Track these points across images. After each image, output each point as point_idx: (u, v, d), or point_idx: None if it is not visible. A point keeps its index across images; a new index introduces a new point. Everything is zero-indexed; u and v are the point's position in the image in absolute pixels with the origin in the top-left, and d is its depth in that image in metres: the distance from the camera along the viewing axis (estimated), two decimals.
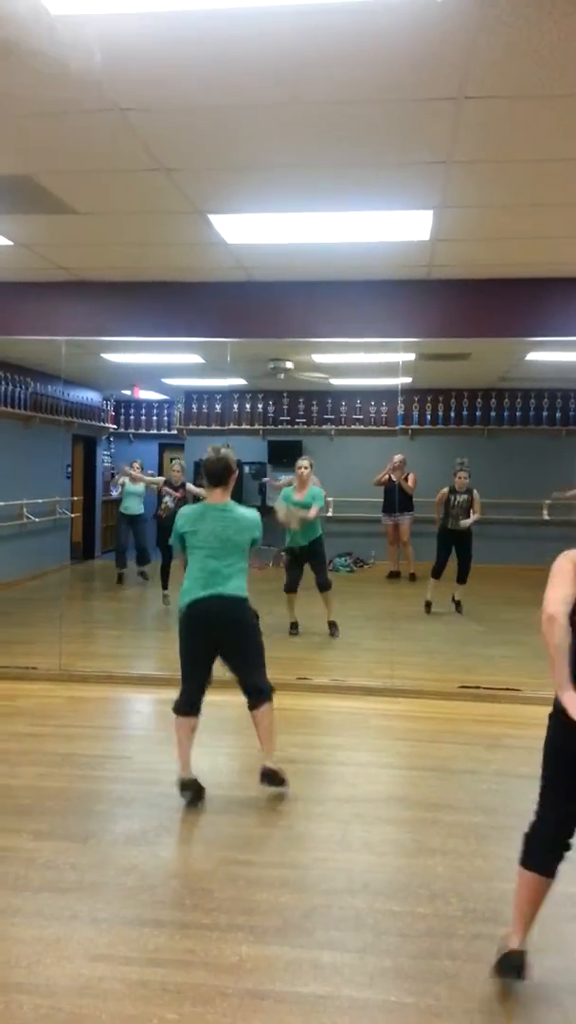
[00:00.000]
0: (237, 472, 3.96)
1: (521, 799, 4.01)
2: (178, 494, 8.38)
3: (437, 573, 8.26)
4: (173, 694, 5.63)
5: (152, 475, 10.01)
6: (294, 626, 7.30)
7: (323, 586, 7.22)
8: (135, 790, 4.01)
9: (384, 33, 2.58)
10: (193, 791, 3.83)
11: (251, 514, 3.94)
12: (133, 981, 2.56)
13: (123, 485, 9.77)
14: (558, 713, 2.48)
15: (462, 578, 8.30)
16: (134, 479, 9.48)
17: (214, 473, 3.86)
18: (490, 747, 4.69)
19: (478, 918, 2.95)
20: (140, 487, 9.63)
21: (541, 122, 3.20)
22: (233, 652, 3.90)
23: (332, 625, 7.29)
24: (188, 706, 3.93)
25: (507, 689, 5.61)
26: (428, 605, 8.23)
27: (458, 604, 8.34)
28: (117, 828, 3.61)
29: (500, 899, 3.05)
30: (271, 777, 3.89)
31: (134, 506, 9.73)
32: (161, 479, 8.94)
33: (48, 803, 3.82)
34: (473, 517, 8.14)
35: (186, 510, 4.04)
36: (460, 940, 2.82)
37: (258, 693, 3.90)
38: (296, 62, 2.77)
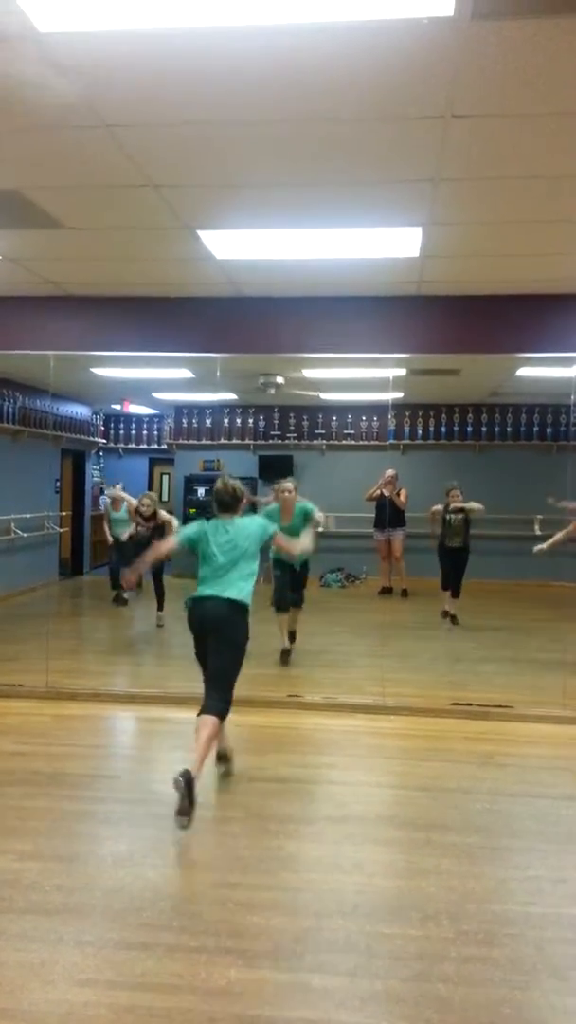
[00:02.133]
0: (245, 499, 4.34)
1: (514, 819, 4.00)
2: (149, 524, 8.32)
3: (445, 586, 8.47)
4: (162, 712, 5.59)
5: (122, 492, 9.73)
6: (286, 654, 6.77)
7: (297, 602, 6.94)
8: (122, 810, 3.95)
9: (372, 52, 2.59)
10: (189, 788, 3.64)
11: (252, 519, 4.37)
12: (120, 1006, 2.50)
13: (106, 508, 9.63)
14: None
15: (455, 593, 8.40)
16: (115, 504, 9.36)
17: (224, 503, 4.26)
18: (482, 765, 4.66)
19: (471, 940, 2.91)
20: (123, 513, 9.38)
21: (528, 140, 3.22)
22: (212, 653, 4.04)
23: (291, 635, 6.92)
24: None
25: (499, 706, 5.58)
26: (445, 613, 8.46)
27: (453, 617, 8.39)
28: (104, 849, 3.55)
29: (494, 921, 3.02)
30: (186, 782, 3.64)
31: (121, 532, 9.41)
32: (135, 502, 8.83)
33: (33, 823, 3.76)
34: (473, 507, 8.27)
35: (199, 527, 4.29)
36: (452, 963, 2.77)
37: (208, 700, 3.98)
38: (285, 80, 2.78)
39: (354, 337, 5.76)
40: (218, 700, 3.98)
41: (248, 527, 4.23)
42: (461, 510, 8.28)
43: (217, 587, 4.04)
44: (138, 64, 2.68)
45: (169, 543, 4.56)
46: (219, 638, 4.01)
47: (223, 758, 4.33)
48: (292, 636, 7.01)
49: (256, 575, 4.20)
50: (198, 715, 3.95)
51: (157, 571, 8.30)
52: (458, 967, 2.75)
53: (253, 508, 9.36)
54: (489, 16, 2.38)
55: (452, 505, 8.33)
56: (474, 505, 8.32)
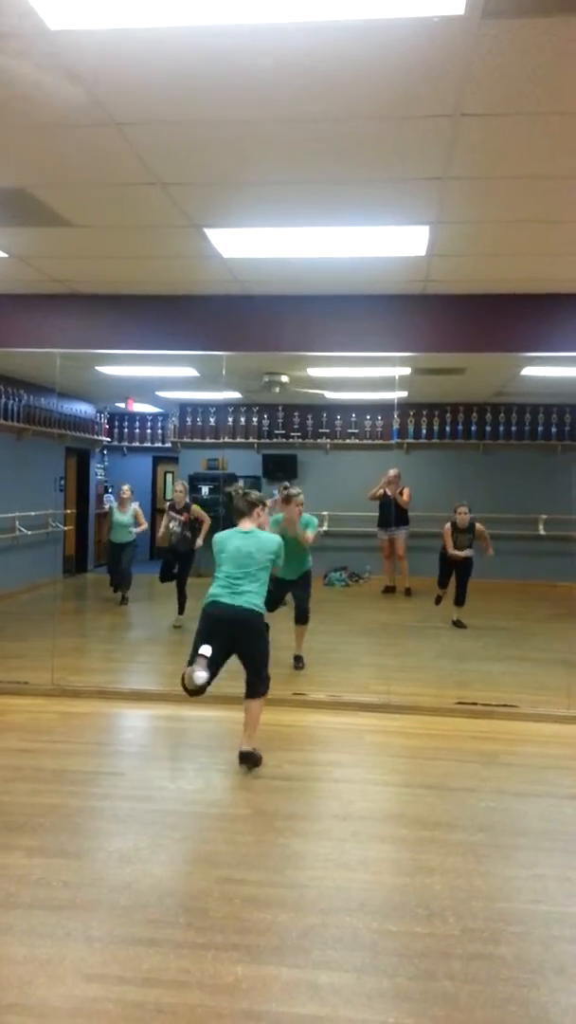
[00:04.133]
0: (262, 505, 4.66)
1: (520, 817, 4.00)
2: (183, 517, 8.09)
3: (442, 584, 8.45)
4: (167, 710, 5.60)
5: (138, 508, 9.50)
6: (298, 659, 6.68)
7: (301, 619, 6.63)
8: (128, 807, 3.96)
9: (381, 51, 2.59)
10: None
11: (272, 537, 4.62)
12: (127, 1002, 2.51)
13: (111, 508, 9.53)
14: None
15: (460, 601, 8.32)
16: (122, 506, 9.27)
17: (240, 509, 4.60)
18: (487, 764, 4.66)
19: (477, 938, 2.92)
20: (128, 516, 9.28)
21: (536, 139, 3.22)
22: (242, 654, 4.46)
23: (298, 659, 6.67)
24: (196, 661, 4.29)
25: (504, 705, 5.58)
26: (438, 599, 8.49)
27: (458, 622, 8.33)
28: (111, 845, 3.56)
29: (499, 918, 3.02)
30: (247, 758, 4.41)
31: (122, 535, 9.33)
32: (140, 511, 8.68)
33: (40, 820, 3.77)
34: (487, 547, 8.24)
35: (219, 536, 4.63)
36: (459, 960, 2.78)
37: (251, 689, 4.48)
38: (293, 79, 2.78)
39: (360, 336, 5.76)
40: (259, 683, 4.48)
41: (266, 545, 4.51)
42: (470, 530, 8.16)
43: (235, 596, 4.37)
44: (147, 62, 2.69)
45: None
46: (247, 642, 4.43)
47: (249, 758, 4.46)
48: (298, 660, 6.68)
49: (266, 586, 4.53)
50: (245, 698, 4.48)
51: (181, 576, 8.14)
52: (464, 965, 2.75)
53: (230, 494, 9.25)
54: (499, 14, 2.38)
55: (459, 522, 8.16)
56: (486, 542, 8.25)
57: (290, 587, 6.50)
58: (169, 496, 8.64)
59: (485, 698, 5.73)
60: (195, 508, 8.19)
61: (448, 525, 8.22)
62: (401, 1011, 2.51)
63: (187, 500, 8.25)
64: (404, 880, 3.32)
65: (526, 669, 6.84)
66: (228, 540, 4.53)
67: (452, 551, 8.16)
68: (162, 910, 3.04)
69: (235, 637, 4.37)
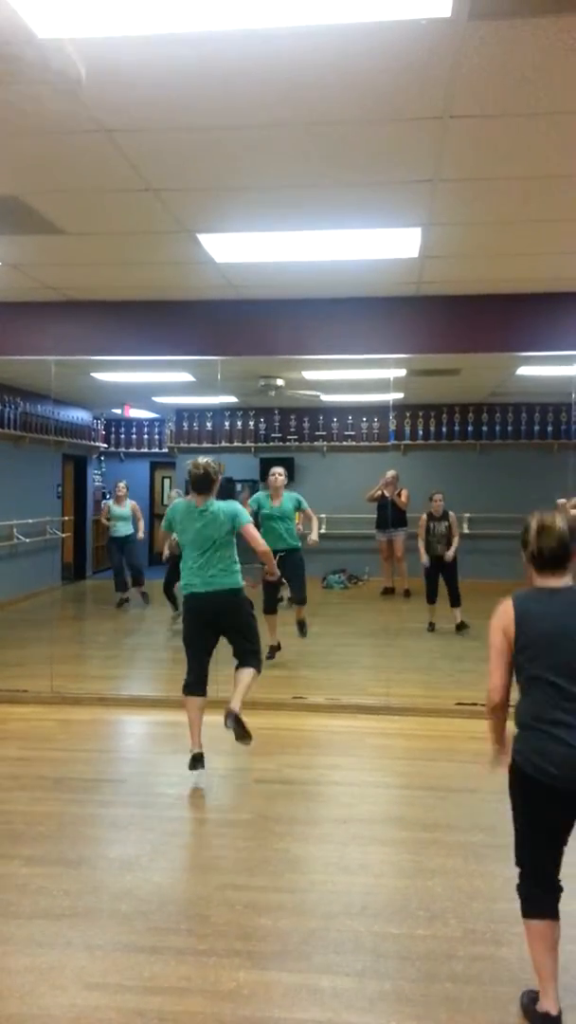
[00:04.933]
0: (219, 479, 4.46)
1: None
2: None
3: (431, 598, 8.28)
4: (166, 716, 5.58)
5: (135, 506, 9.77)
6: (273, 649, 6.75)
7: (299, 601, 6.84)
8: (129, 814, 3.96)
9: (369, 54, 2.59)
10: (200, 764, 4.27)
11: (227, 506, 4.40)
12: (129, 1010, 2.50)
13: (107, 507, 9.75)
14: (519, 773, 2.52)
15: (455, 602, 8.21)
16: (119, 500, 9.45)
17: (196, 482, 4.40)
18: (487, 764, 4.65)
19: (478, 939, 2.91)
20: (126, 510, 9.58)
21: (525, 140, 3.23)
22: (230, 632, 4.44)
23: (301, 624, 6.92)
24: (197, 685, 4.37)
25: None
26: (431, 625, 8.26)
27: (460, 625, 8.17)
28: (111, 853, 3.56)
29: (501, 919, 3.02)
30: (235, 718, 4.26)
31: (122, 528, 9.63)
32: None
33: (40, 828, 3.77)
34: (454, 545, 8.16)
35: (174, 507, 4.54)
36: (460, 962, 2.77)
37: (242, 659, 4.43)
38: (282, 83, 2.78)
39: (354, 338, 5.76)
40: (252, 654, 4.43)
41: (219, 515, 4.35)
42: (444, 517, 8.19)
43: (208, 579, 4.31)
44: (136, 69, 2.69)
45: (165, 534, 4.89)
46: (230, 619, 4.40)
47: (237, 720, 4.32)
48: (302, 625, 6.92)
49: (236, 560, 4.43)
50: (236, 668, 4.41)
51: (169, 579, 8.14)
52: (466, 966, 2.75)
53: (231, 490, 9.32)
54: (486, 16, 2.39)
55: (434, 510, 8.22)
56: (455, 531, 8.22)
57: (282, 570, 6.31)
58: (166, 503, 8.72)
59: (484, 699, 5.71)
60: None
61: (424, 516, 8.27)
62: (403, 1014, 2.50)
63: None
64: (405, 883, 3.31)
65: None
66: (186, 521, 4.38)
67: (423, 551, 8.19)
68: (163, 917, 3.03)
69: (217, 620, 4.37)
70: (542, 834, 2.48)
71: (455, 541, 8.18)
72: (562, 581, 2.51)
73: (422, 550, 8.26)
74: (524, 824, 2.52)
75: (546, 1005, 2.42)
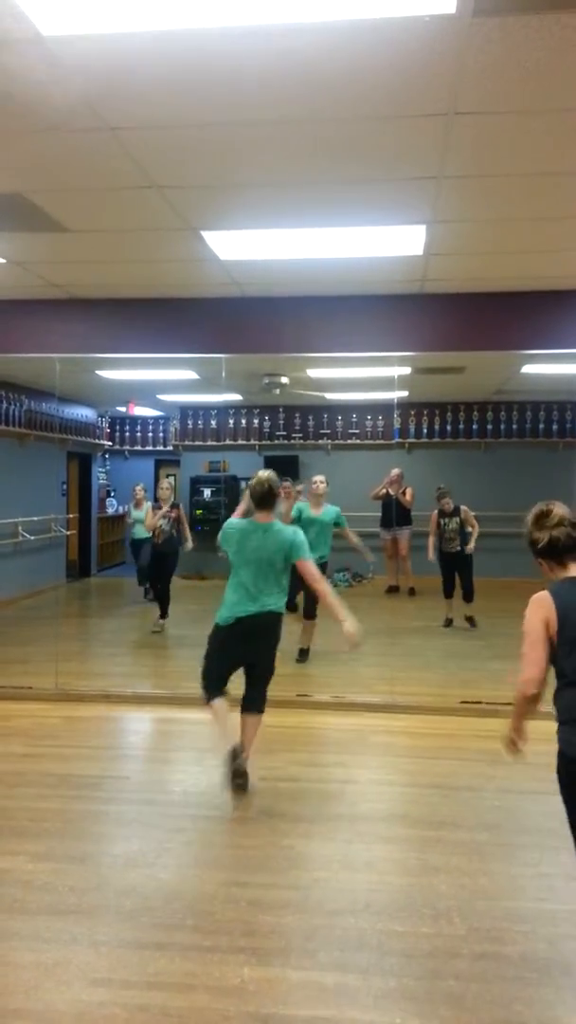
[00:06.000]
0: (279, 494, 4.20)
1: (525, 815, 3.99)
2: (172, 514, 8.15)
3: (447, 593, 8.38)
4: (171, 713, 5.59)
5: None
6: (304, 652, 6.87)
7: (309, 615, 6.76)
8: (133, 811, 3.96)
9: (374, 51, 2.59)
10: (238, 760, 3.90)
11: (289, 532, 4.05)
12: (134, 1006, 2.51)
13: (128, 510, 9.75)
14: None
15: (467, 597, 8.34)
16: (138, 504, 9.40)
17: (258, 498, 4.04)
18: (492, 763, 4.64)
19: (483, 937, 2.91)
20: (143, 513, 9.39)
21: (530, 137, 3.22)
22: (255, 662, 4.11)
23: (303, 652, 6.90)
24: (217, 688, 4.09)
25: (508, 704, 5.53)
26: (449, 621, 8.36)
27: (471, 619, 8.33)
28: (116, 849, 3.56)
29: (504, 917, 3.02)
30: (243, 775, 3.91)
31: (141, 531, 9.35)
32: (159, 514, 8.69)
33: (45, 824, 3.77)
34: (473, 537, 8.25)
35: (232, 523, 4.16)
36: (464, 960, 2.77)
37: (254, 703, 4.14)
38: (286, 80, 2.78)
39: (358, 336, 5.76)
40: (261, 699, 4.15)
41: (279, 539, 4.00)
42: (456, 513, 8.26)
43: (256, 603, 3.98)
44: (140, 66, 2.69)
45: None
46: (267, 644, 4.11)
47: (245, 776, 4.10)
48: (303, 653, 6.90)
49: (286, 588, 4.12)
50: (242, 712, 4.10)
51: (163, 573, 8.16)
52: (470, 964, 2.75)
53: (236, 488, 9.16)
54: (491, 12, 2.38)
55: (444, 507, 8.32)
56: (472, 523, 8.28)
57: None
58: (157, 494, 8.63)
59: (489, 697, 5.72)
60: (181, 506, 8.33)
61: (435, 512, 8.35)
62: (407, 1011, 2.50)
63: (173, 498, 8.34)
64: (409, 880, 3.31)
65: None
66: (245, 538, 4.01)
67: (431, 548, 8.26)
68: (168, 913, 3.04)
69: (250, 644, 4.04)
70: None
71: (475, 533, 8.26)
72: None
73: (431, 546, 8.31)
74: (572, 813, 2.59)
75: None
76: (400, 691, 5.81)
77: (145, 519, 8.50)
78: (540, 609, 2.43)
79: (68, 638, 7.51)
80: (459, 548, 8.28)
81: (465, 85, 2.80)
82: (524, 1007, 2.53)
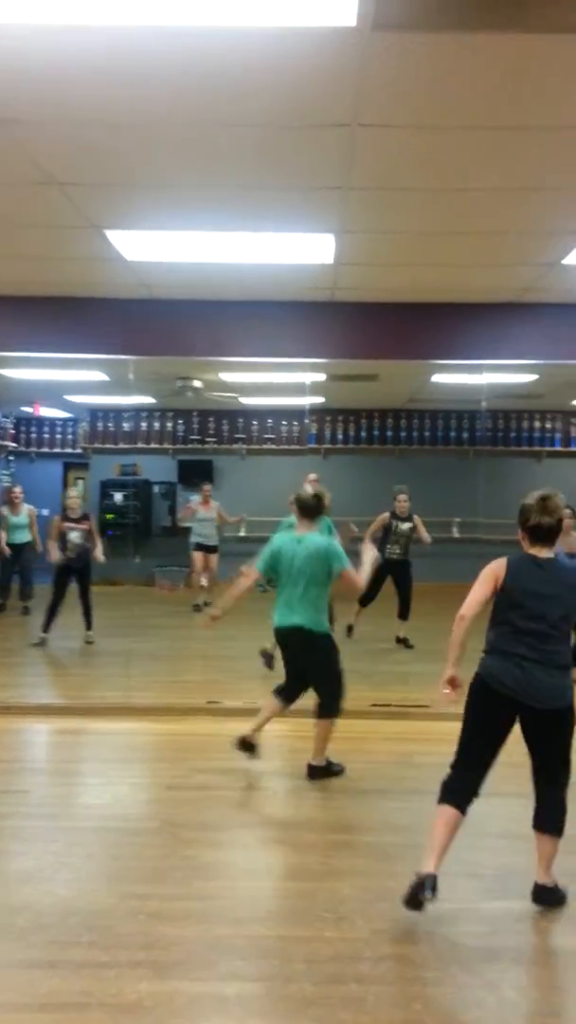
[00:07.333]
0: (326, 509, 4.47)
1: (431, 816, 4.04)
2: (84, 526, 7.65)
3: (365, 602, 7.54)
4: (76, 723, 5.44)
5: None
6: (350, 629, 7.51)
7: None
8: (32, 825, 3.83)
9: (276, 59, 2.58)
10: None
11: (325, 543, 4.33)
12: None
13: (3, 516, 9.14)
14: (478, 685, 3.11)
15: (404, 613, 7.81)
16: (14, 509, 8.99)
17: (304, 507, 4.39)
18: (400, 765, 4.71)
19: (385, 939, 2.93)
20: (23, 517, 9.06)
21: (434, 152, 3.28)
22: (306, 671, 4.48)
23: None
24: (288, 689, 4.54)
25: (418, 706, 5.66)
26: (350, 628, 7.65)
27: (404, 641, 7.80)
28: (11, 866, 3.43)
29: (407, 919, 3.04)
30: (312, 771, 4.42)
31: (19, 536, 9.05)
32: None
33: None
34: (427, 538, 7.73)
35: (276, 543, 4.44)
36: (367, 963, 2.79)
37: (319, 707, 4.45)
38: (191, 83, 2.75)
39: (270, 342, 5.77)
40: (326, 701, 4.41)
41: (316, 551, 4.26)
42: (409, 519, 7.70)
43: (292, 615, 4.31)
44: (38, 60, 2.61)
45: (248, 578, 4.46)
46: (312, 661, 4.43)
47: (314, 771, 4.46)
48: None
49: (326, 601, 4.36)
50: (317, 718, 4.44)
51: (83, 584, 7.71)
52: (372, 967, 2.76)
53: (149, 493, 8.58)
54: (390, 28, 2.41)
55: (399, 510, 7.70)
56: (424, 536, 7.77)
57: None
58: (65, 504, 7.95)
59: (400, 699, 5.80)
60: (91, 516, 7.88)
61: (386, 514, 7.71)
62: (307, 1016, 2.50)
63: (83, 509, 7.85)
64: (314, 885, 3.32)
65: (440, 669, 6.93)
66: (283, 550, 4.34)
67: (368, 546, 7.79)
68: (64, 930, 2.94)
69: (297, 654, 4.43)
70: (486, 732, 3.09)
71: (425, 537, 7.70)
72: (549, 552, 3.09)
73: (367, 545, 7.65)
74: (472, 722, 3.12)
75: (424, 868, 2.95)
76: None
77: (50, 531, 7.81)
78: (493, 569, 3.11)
79: None
80: (404, 556, 7.73)
81: (367, 97, 2.84)
82: (422, 1005, 2.56)
